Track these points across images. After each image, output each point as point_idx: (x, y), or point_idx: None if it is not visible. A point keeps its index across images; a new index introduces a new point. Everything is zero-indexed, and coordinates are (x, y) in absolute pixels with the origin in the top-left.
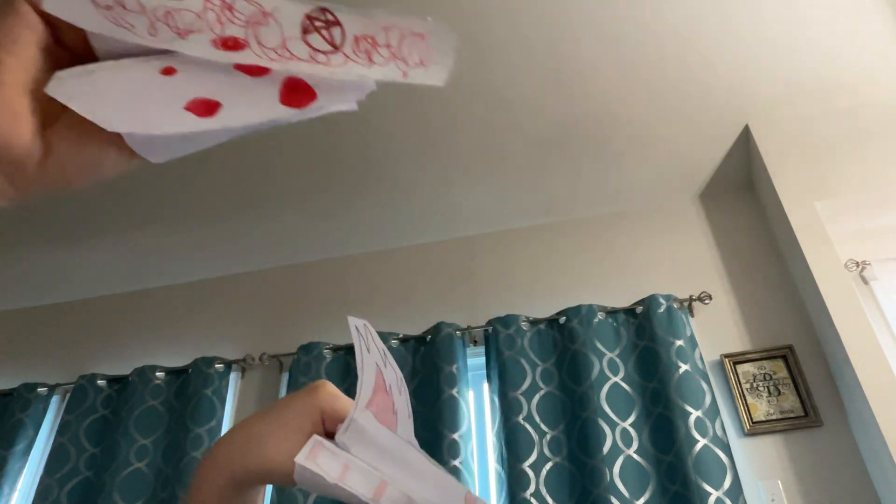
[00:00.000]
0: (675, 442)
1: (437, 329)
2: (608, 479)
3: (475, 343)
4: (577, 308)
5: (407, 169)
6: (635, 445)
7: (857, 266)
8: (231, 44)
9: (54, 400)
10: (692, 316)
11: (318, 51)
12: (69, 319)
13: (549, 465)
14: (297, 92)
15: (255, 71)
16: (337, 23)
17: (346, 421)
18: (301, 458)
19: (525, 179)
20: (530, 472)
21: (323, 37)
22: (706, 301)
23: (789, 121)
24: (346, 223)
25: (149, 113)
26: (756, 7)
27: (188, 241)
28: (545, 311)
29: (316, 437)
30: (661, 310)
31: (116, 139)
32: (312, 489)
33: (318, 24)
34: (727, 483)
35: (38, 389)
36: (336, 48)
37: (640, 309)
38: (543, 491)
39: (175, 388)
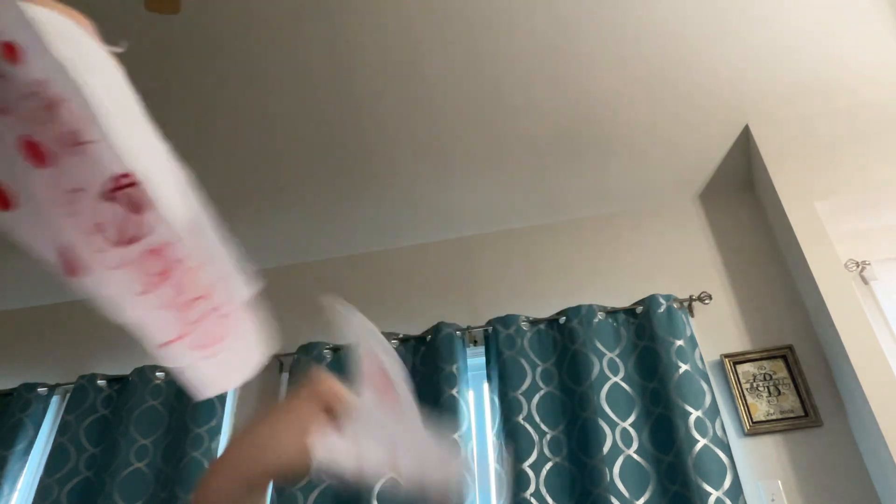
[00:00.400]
0: (675, 442)
1: (437, 329)
2: (608, 479)
3: (475, 343)
4: (577, 308)
5: (407, 169)
6: (635, 445)
7: (857, 266)
8: (34, 152)
9: (54, 400)
10: (692, 316)
11: (106, 233)
12: (69, 319)
13: (549, 465)
14: (71, 262)
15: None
16: (140, 204)
17: (350, 406)
18: (318, 452)
19: (525, 179)
20: (530, 472)
21: (119, 208)
22: (706, 301)
23: (789, 121)
24: (346, 223)
25: None
26: (756, 7)
27: None
28: (545, 311)
29: (325, 429)
30: (661, 310)
31: None
32: (333, 476)
33: (123, 187)
34: (727, 483)
35: (38, 389)
36: (125, 238)
37: (640, 309)
38: (543, 491)
39: (175, 388)
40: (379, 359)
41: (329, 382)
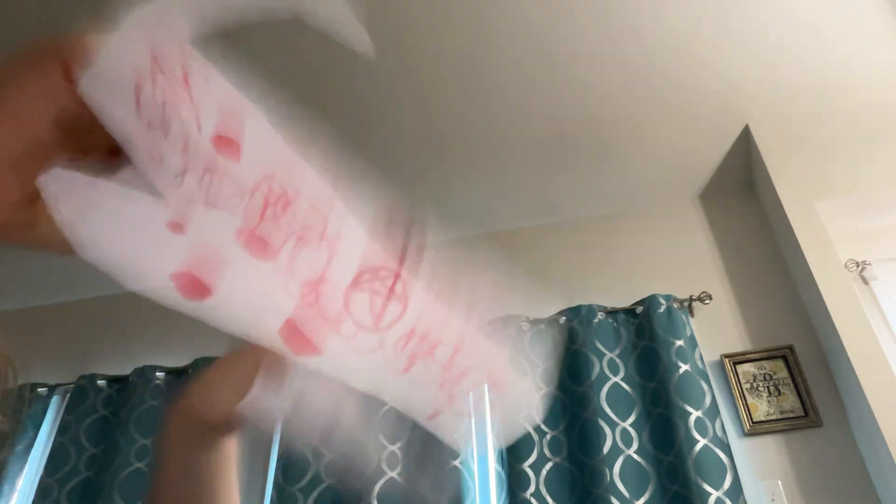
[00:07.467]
0: (675, 442)
1: None
2: (608, 479)
3: None
4: (577, 308)
5: (408, 169)
6: (635, 445)
7: (857, 266)
8: (257, 245)
9: (54, 400)
10: (692, 316)
11: (358, 319)
12: (69, 319)
13: (549, 466)
14: (298, 335)
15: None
16: (398, 282)
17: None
18: (247, 409)
19: (525, 179)
20: (530, 472)
21: (377, 298)
22: (706, 301)
23: (789, 121)
24: None
25: (129, 262)
26: (756, 7)
27: None
28: (545, 310)
29: (256, 389)
30: (661, 310)
31: None
32: (272, 421)
33: (381, 275)
34: (727, 483)
35: (38, 389)
36: (377, 326)
37: (640, 309)
38: (543, 491)
39: (175, 388)
40: None
41: (274, 355)
